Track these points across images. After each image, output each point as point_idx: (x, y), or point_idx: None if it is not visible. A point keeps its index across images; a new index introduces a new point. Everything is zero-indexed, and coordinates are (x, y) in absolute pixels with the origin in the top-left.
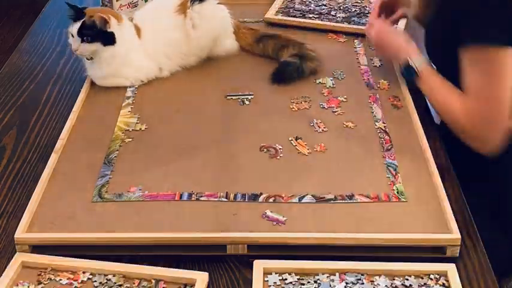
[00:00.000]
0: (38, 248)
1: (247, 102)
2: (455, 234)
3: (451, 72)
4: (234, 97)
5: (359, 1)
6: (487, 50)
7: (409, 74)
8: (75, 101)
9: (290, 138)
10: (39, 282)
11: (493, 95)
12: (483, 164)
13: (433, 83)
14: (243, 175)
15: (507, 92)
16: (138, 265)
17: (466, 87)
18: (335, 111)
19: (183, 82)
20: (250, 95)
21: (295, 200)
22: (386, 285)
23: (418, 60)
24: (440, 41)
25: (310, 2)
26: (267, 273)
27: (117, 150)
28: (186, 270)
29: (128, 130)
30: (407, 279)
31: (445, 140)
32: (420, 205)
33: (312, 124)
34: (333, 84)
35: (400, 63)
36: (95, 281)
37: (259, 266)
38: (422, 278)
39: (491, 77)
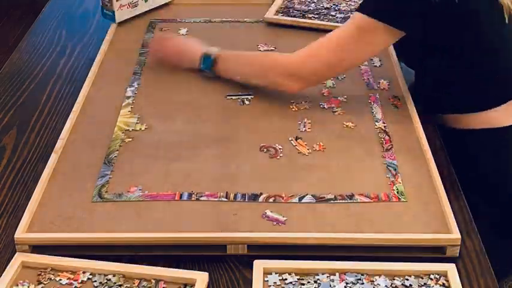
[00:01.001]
0: (38, 248)
1: (247, 102)
2: (455, 234)
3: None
4: (234, 97)
5: (358, 1)
6: (365, 18)
7: (206, 63)
8: (75, 101)
9: (290, 138)
10: (39, 282)
11: (342, 55)
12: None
13: (231, 60)
14: (243, 175)
15: (355, 59)
16: (138, 265)
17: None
18: (335, 111)
19: (183, 82)
20: (250, 95)
21: (295, 200)
22: (386, 285)
23: (212, 49)
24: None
25: (309, 2)
26: (267, 273)
27: (117, 150)
28: (186, 270)
29: (128, 130)
30: (407, 279)
31: (445, 139)
32: (420, 205)
33: (302, 123)
34: (333, 84)
35: (191, 65)
36: (95, 281)
37: (259, 266)
38: (422, 278)
39: (353, 39)
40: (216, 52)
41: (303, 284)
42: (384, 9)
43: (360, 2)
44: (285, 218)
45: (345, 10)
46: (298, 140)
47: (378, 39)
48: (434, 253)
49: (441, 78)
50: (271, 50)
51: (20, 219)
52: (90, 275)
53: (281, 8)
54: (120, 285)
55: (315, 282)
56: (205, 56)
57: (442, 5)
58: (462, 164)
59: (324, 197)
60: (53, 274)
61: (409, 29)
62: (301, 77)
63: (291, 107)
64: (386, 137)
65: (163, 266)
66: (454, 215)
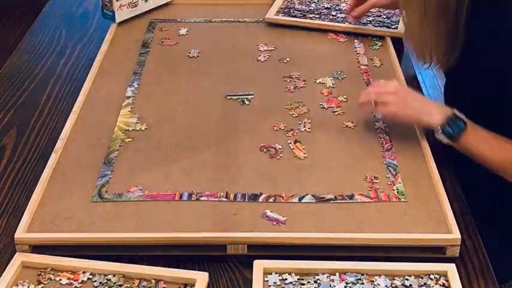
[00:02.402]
0: (38, 248)
1: (247, 102)
2: (455, 234)
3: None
4: (234, 97)
5: None
6: None
7: (454, 129)
8: (75, 101)
9: (289, 141)
10: (39, 282)
11: None
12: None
13: (481, 133)
14: (243, 175)
15: None
16: (138, 265)
17: None
18: (335, 111)
19: (183, 82)
20: (250, 95)
21: (295, 200)
22: (386, 285)
23: (460, 113)
24: (467, 88)
25: (310, 2)
26: (267, 273)
27: (117, 150)
28: (186, 270)
29: (128, 130)
30: (407, 279)
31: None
32: (420, 205)
33: (302, 123)
34: (333, 84)
35: (430, 121)
36: (95, 281)
37: (259, 266)
38: (422, 278)
39: None
40: (464, 117)
41: (303, 284)
42: None
43: None
44: (285, 218)
45: (345, 10)
46: (297, 144)
47: None
48: (434, 253)
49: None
50: (272, 49)
51: (20, 219)
52: (90, 275)
53: (281, 8)
54: (120, 285)
55: (315, 282)
56: (455, 117)
57: None
58: (462, 163)
59: (324, 197)
60: (53, 274)
61: None
62: None
63: (291, 107)
64: (387, 137)
65: (163, 266)
66: (454, 215)
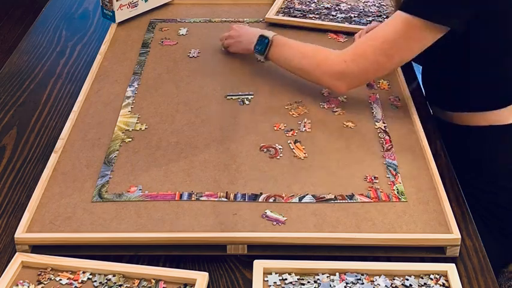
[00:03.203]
0: (38, 248)
1: (247, 102)
2: (455, 234)
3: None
4: (234, 97)
5: (357, 0)
6: (412, 18)
7: (262, 46)
8: (75, 101)
9: (289, 141)
10: (39, 282)
11: (391, 52)
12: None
13: (288, 43)
14: (243, 175)
15: (403, 56)
16: (138, 265)
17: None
18: (335, 111)
19: (183, 82)
20: (250, 95)
21: (295, 200)
22: (386, 285)
23: (269, 32)
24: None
25: (310, 2)
26: (267, 273)
27: (117, 150)
28: (186, 270)
29: (128, 130)
30: (407, 279)
31: (445, 139)
32: (420, 205)
33: (302, 123)
34: None
35: (251, 47)
36: (95, 281)
37: (259, 266)
38: (422, 278)
39: (401, 38)
40: (273, 35)
41: (303, 284)
42: (433, 8)
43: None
44: (285, 218)
45: (345, 10)
46: (297, 144)
47: (426, 37)
48: (434, 253)
49: (456, 75)
50: None
51: (20, 219)
52: (90, 275)
53: (281, 8)
54: (120, 285)
55: (315, 282)
56: (261, 37)
57: (491, 2)
58: (462, 162)
59: (324, 197)
60: (53, 274)
61: (457, 26)
62: (349, 77)
63: (291, 107)
64: (387, 137)
65: (163, 266)
66: (454, 215)
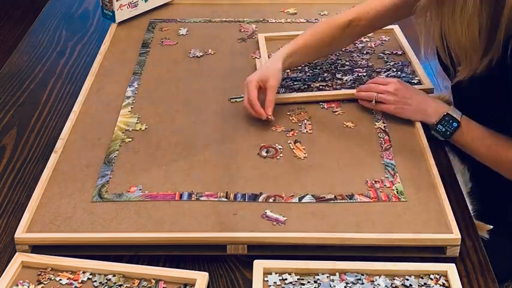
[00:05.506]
0: (38, 248)
1: None
2: (455, 234)
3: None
4: (238, 100)
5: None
6: None
7: (447, 128)
8: (75, 101)
9: (289, 141)
10: (39, 282)
11: None
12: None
13: (476, 131)
14: (243, 175)
15: None
16: (138, 265)
17: None
18: (335, 111)
19: (183, 82)
20: None
21: (295, 200)
22: (386, 285)
23: (456, 110)
24: (475, 98)
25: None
26: (267, 273)
27: (117, 150)
28: (186, 270)
29: (128, 130)
30: (407, 279)
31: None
32: (420, 205)
33: (302, 123)
34: None
35: (426, 119)
36: (95, 281)
37: (259, 266)
38: (422, 278)
39: None
40: (461, 116)
41: (303, 284)
42: None
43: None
44: (285, 218)
45: (348, 69)
46: (297, 144)
47: None
48: (434, 253)
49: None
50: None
51: (20, 219)
52: (90, 275)
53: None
54: (120, 285)
55: (315, 282)
56: (448, 116)
57: None
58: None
59: (324, 197)
60: (53, 274)
61: None
62: None
63: (293, 112)
64: (386, 137)
65: (163, 266)
66: (454, 215)
